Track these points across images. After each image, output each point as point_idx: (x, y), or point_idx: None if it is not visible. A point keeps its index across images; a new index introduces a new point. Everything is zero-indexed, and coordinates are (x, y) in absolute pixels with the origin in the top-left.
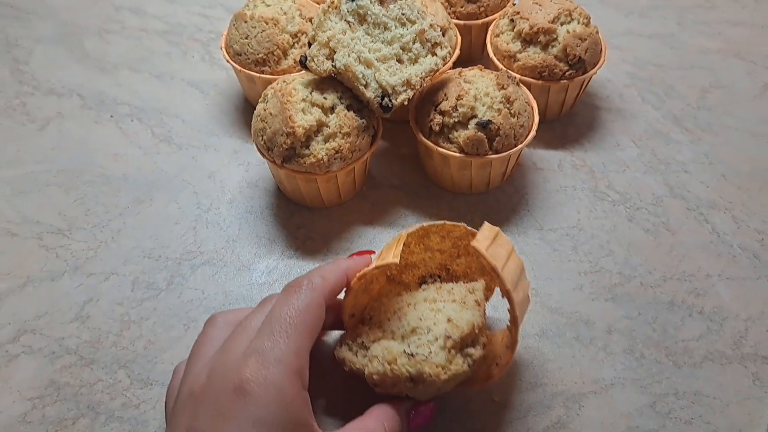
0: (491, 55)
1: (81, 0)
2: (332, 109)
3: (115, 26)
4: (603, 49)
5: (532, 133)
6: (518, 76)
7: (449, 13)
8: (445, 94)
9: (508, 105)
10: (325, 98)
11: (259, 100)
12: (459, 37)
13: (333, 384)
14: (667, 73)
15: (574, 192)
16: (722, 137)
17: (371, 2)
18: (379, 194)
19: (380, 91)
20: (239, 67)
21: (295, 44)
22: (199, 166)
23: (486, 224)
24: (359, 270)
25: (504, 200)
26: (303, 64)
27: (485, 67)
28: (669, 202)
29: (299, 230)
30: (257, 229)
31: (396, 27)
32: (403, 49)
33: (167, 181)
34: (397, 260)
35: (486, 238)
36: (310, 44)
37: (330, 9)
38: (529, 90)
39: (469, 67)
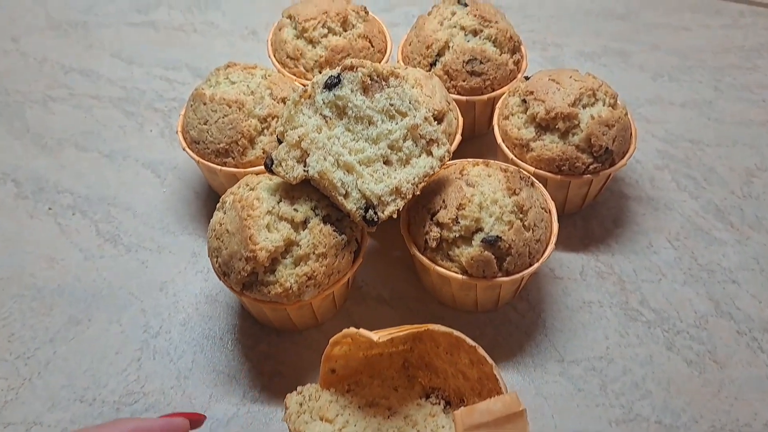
0: (499, 140)
1: (25, 62)
2: (304, 223)
3: (62, 92)
4: (633, 134)
5: (550, 248)
6: (532, 170)
7: (449, 88)
8: (444, 201)
9: (521, 215)
10: (296, 210)
11: (217, 206)
12: (460, 120)
13: None
14: (704, 151)
15: (601, 309)
16: None
17: (352, 91)
18: (366, 311)
19: (364, 201)
20: (197, 158)
21: (264, 130)
22: (149, 274)
23: (501, 398)
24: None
25: (516, 320)
26: (269, 168)
27: (490, 160)
28: (715, 322)
29: (266, 362)
30: (214, 361)
31: (383, 121)
32: (391, 148)
33: (110, 295)
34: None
35: (483, 416)
36: (279, 141)
37: (302, 100)
38: (545, 185)
39: (473, 161)
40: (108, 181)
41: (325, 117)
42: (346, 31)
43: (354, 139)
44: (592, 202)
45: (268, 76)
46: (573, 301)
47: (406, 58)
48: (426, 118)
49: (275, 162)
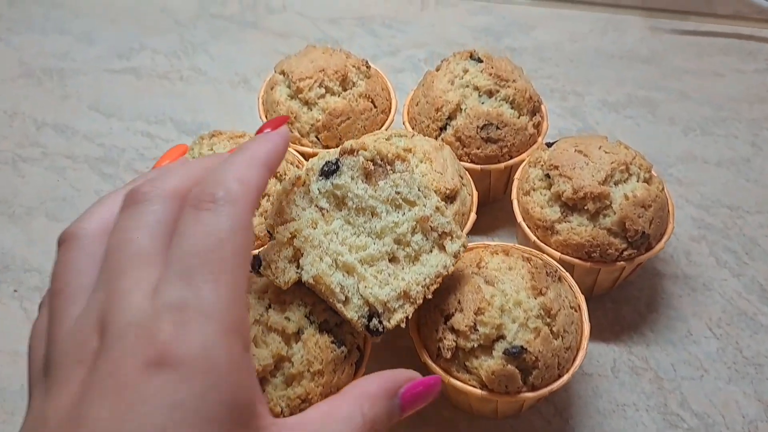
0: (519, 219)
1: None
2: (298, 334)
3: (33, 152)
4: (671, 211)
5: (582, 355)
6: (558, 255)
7: (461, 156)
8: (459, 302)
9: (548, 320)
10: (287, 319)
11: None
12: (474, 195)
13: None
14: (744, 219)
15: (637, 414)
16: None
17: (352, 179)
18: None
19: (367, 309)
20: None
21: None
22: None
23: None
24: (282, 157)
25: (541, 427)
26: (256, 269)
27: (510, 246)
28: (766, 429)
29: None
30: None
31: (388, 212)
32: (398, 242)
33: None
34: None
35: None
36: (270, 235)
37: (295, 190)
38: (572, 272)
39: (491, 249)
40: None
41: (321, 209)
42: (345, 90)
43: (355, 234)
44: (623, 283)
45: None
46: (605, 404)
47: (412, 120)
48: (438, 208)
49: (263, 263)
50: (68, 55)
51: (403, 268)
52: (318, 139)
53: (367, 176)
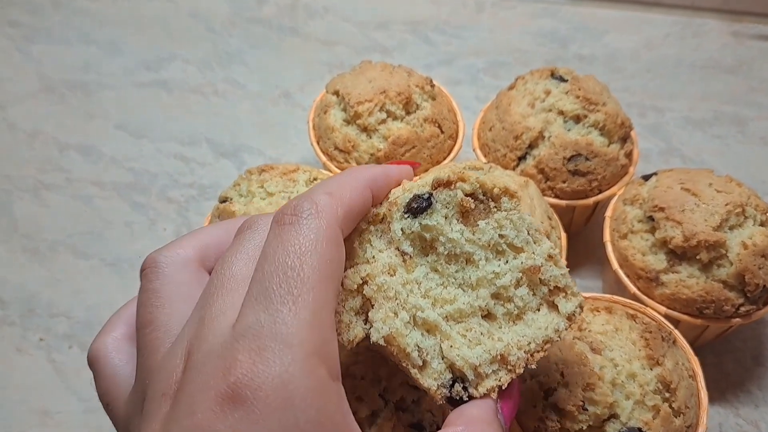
0: (615, 266)
1: (14, 136)
2: (372, 417)
3: (57, 178)
4: None
5: (702, 430)
6: (663, 310)
7: (544, 190)
8: (562, 375)
9: (667, 395)
10: (359, 399)
11: None
12: (563, 239)
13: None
14: None
15: None
16: None
17: (447, 219)
18: None
19: (450, 375)
20: None
21: None
22: None
23: None
24: (392, 181)
25: None
26: None
27: (613, 301)
28: None
29: None
30: None
31: (488, 260)
32: (496, 297)
33: None
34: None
35: None
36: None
37: (370, 228)
38: (677, 326)
39: (591, 305)
40: (113, 298)
41: (403, 254)
42: (409, 114)
43: (442, 285)
44: (730, 334)
45: (314, 180)
46: None
47: (484, 147)
48: (551, 257)
49: None
50: (92, 67)
51: (500, 327)
52: None
53: (464, 215)
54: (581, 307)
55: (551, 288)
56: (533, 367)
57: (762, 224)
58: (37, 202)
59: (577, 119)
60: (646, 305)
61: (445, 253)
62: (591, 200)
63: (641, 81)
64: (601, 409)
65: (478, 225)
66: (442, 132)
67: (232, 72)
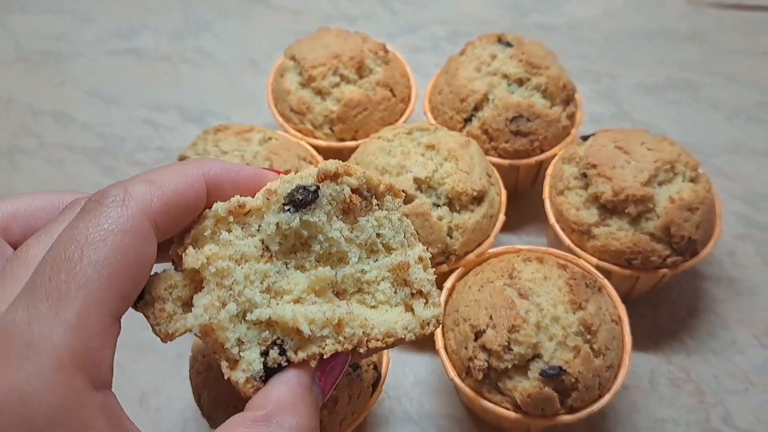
0: (552, 220)
1: None
2: None
3: (30, 142)
4: (718, 213)
5: (624, 372)
6: (595, 261)
7: (488, 150)
8: (491, 318)
9: (588, 337)
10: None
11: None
12: (503, 195)
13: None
14: None
15: (676, 429)
16: None
17: (328, 216)
18: None
19: (266, 345)
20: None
21: None
22: (127, 382)
23: None
24: (244, 182)
25: None
26: (134, 303)
27: (544, 252)
28: None
29: None
30: None
31: (360, 259)
32: (358, 289)
33: None
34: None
35: None
36: (174, 265)
37: (230, 219)
38: (608, 278)
39: (523, 256)
40: None
41: (265, 247)
42: (362, 78)
43: (295, 278)
44: (663, 286)
45: (267, 140)
46: (642, 420)
47: (434, 110)
48: (422, 259)
49: (146, 297)
50: (66, 36)
51: (348, 303)
52: (332, 131)
53: (346, 212)
54: (438, 322)
55: (414, 291)
56: (362, 352)
57: (692, 180)
58: (11, 166)
59: (520, 82)
60: (579, 257)
61: (320, 252)
62: (533, 159)
63: (599, 49)
64: (525, 349)
65: (358, 222)
66: (394, 95)
67: (201, 41)
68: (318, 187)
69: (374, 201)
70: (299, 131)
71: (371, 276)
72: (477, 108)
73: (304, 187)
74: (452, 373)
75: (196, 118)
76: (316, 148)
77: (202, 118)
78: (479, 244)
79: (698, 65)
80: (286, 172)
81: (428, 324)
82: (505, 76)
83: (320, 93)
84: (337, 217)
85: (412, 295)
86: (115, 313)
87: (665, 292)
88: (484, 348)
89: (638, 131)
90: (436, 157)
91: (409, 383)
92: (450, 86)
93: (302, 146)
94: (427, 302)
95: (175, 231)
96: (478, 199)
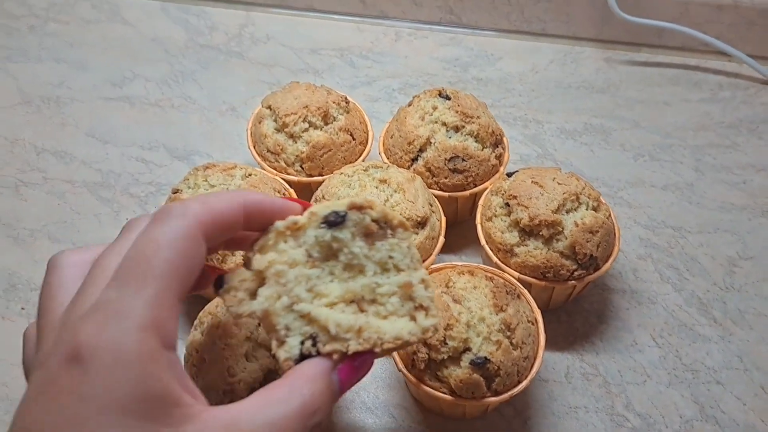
0: (483, 242)
1: None
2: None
3: (34, 177)
4: (617, 234)
5: (538, 363)
6: (517, 275)
7: (431, 184)
8: None
9: (508, 333)
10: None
11: (194, 324)
12: (443, 221)
13: None
14: (686, 239)
15: (587, 415)
16: (757, 331)
17: (353, 236)
18: (347, 419)
19: (309, 333)
20: None
21: None
22: None
23: None
24: (275, 211)
25: (503, 427)
26: (216, 290)
27: (475, 266)
28: (700, 428)
29: None
30: None
31: (375, 273)
32: (372, 300)
33: None
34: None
35: None
36: (245, 265)
37: (287, 233)
38: (529, 289)
39: (458, 269)
40: None
41: (309, 255)
42: (327, 124)
43: (330, 283)
44: (576, 297)
45: (248, 176)
46: (559, 407)
47: (387, 151)
48: (423, 281)
49: (225, 286)
50: (64, 83)
51: (367, 315)
52: (302, 169)
53: (367, 235)
54: (436, 329)
55: (417, 305)
56: (378, 351)
57: (593, 209)
58: (17, 197)
59: (456, 129)
60: (505, 272)
61: (345, 262)
62: (468, 192)
63: (527, 99)
64: (457, 343)
65: (375, 245)
66: (354, 139)
67: (186, 89)
68: (346, 213)
69: (389, 231)
70: (274, 168)
71: (384, 290)
72: (421, 150)
73: (336, 212)
74: (401, 365)
75: (182, 156)
76: (289, 182)
77: (188, 156)
78: (423, 262)
79: (609, 113)
80: (309, 204)
81: (428, 330)
82: (444, 124)
83: (292, 137)
84: (359, 237)
85: (416, 308)
86: (179, 296)
87: (579, 303)
88: (425, 343)
89: (551, 169)
90: (387, 189)
91: (366, 378)
92: (400, 131)
93: (277, 181)
94: (427, 314)
95: (218, 242)
96: (421, 223)
